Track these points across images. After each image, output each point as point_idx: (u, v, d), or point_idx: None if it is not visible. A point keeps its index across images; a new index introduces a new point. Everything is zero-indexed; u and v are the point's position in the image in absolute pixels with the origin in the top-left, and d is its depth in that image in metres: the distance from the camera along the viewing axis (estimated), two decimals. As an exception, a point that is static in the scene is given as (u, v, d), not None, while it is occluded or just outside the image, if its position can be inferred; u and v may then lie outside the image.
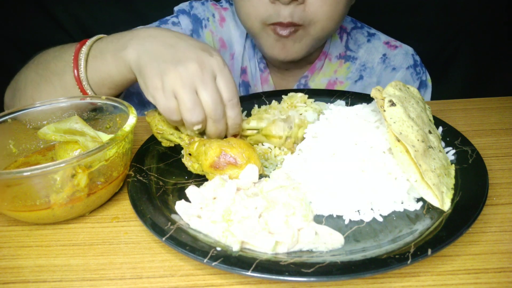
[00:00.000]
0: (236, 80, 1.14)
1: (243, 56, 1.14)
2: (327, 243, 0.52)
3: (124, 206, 0.64)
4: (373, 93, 0.64)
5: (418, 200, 0.59)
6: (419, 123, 0.62)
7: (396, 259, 0.46)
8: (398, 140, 0.58)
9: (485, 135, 0.79)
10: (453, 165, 0.64)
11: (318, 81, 1.14)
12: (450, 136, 0.71)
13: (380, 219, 0.56)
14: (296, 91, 0.87)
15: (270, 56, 0.99)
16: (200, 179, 0.67)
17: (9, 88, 0.88)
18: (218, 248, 0.50)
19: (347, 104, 0.87)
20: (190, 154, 0.68)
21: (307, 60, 1.12)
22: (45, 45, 0.87)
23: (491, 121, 0.85)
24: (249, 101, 0.89)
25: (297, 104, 0.80)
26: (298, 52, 0.97)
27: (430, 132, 0.64)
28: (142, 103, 1.10)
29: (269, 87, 1.16)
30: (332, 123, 0.68)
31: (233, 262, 0.47)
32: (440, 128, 0.73)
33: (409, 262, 0.46)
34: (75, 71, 0.76)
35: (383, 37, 1.17)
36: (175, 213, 0.58)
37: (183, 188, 0.62)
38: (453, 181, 0.61)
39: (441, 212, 0.56)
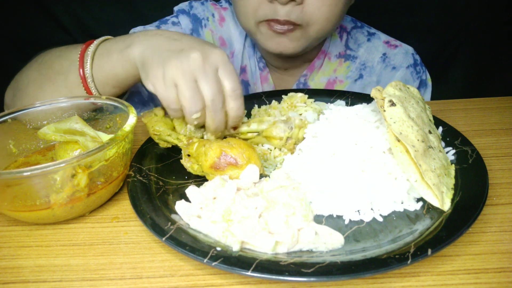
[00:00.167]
0: (236, 78, 1.14)
1: (243, 55, 1.14)
2: (327, 243, 0.52)
3: (124, 206, 0.64)
4: (373, 93, 0.64)
5: (418, 200, 0.59)
6: (419, 123, 0.62)
7: (396, 259, 0.46)
8: (398, 140, 0.58)
9: (485, 135, 0.79)
10: (453, 165, 0.64)
11: (317, 80, 1.14)
12: (450, 136, 0.71)
13: (380, 219, 0.56)
14: (296, 91, 0.87)
15: (266, 49, 0.99)
16: (200, 179, 0.67)
17: (10, 88, 0.88)
18: (218, 248, 0.50)
19: (347, 104, 0.87)
20: (189, 155, 0.68)
21: (306, 59, 1.12)
22: (45, 45, 0.87)
23: (491, 121, 0.85)
24: (249, 101, 0.88)
25: (297, 104, 0.80)
26: (296, 48, 0.97)
27: (430, 132, 0.64)
28: (142, 103, 1.10)
29: (268, 86, 1.16)
30: (332, 123, 0.68)
31: (233, 262, 0.47)
32: (440, 128, 0.73)
33: (409, 262, 0.46)
34: (81, 69, 0.76)
35: (383, 37, 1.17)
36: (175, 213, 0.58)
37: (183, 188, 0.62)
38: (453, 181, 0.61)
39: (441, 212, 0.56)
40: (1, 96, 0.90)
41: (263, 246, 0.50)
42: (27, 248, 0.56)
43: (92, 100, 0.72)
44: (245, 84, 1.16)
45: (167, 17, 1.12)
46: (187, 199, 0.59)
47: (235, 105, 0.67)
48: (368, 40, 1.16)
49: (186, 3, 1.14)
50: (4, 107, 0.89)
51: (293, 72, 1.15)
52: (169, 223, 0.54)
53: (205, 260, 0.47)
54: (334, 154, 0.63)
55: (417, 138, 0.58)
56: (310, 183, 0.61)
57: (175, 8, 1.13)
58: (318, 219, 0.57)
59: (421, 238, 0.50)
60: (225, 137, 0.71)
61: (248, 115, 0.85)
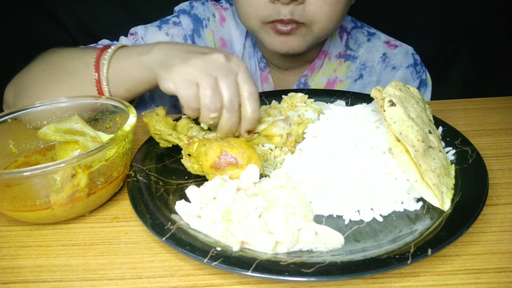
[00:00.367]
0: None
1: (243, 55, 1.14)
2: (327, 243, 0.52)
3: (124, 206, 0.64)
4: (373, 93, 0.64)
5: (418, 200, 0.59)
6: (419, 123, 0.62)
7: (396, 259, 0.46)
8: (398, 140, 0.58)
9: (485, 135, 0.79)
10: (453, 165, 0.64)
11: (317, 80, 1.15)
12: (450, 136, 0.71)
13: (380, 219, 0.56)
14: (296, 91, 0.87)
15: (273, 49, 0.99)
16: (200, 179, 0.67)
17: (10, 86, 0.87)
18: (218, 248, 0.50)
19: (347, 104, 0.87)
20: (189, 155, 0.68)
21: (307, 59, 1.12)
22: (45, 45, 0.87)
23: (491, 121, 0.85)
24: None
25: (297, 104, 0.80)
26: (301, 45, 0.97)
27: (430, 132, 0.64)
28: (142, 103, 1.10)
29: (269, 86, 1.16)
30: (332, 123, 0.68)
31: (233, 262, 0.47)
32: (440, 128, 0.73)
33: (409, 262, 0.46)
34: (96, 72, 0.77)
35: (383, 37, 1.17)
36: (175, 213, 0.58)
37: (183, 188, 0.62)
38: (453, 181, 0.61)
39: (441, 212, 0.56)
40: (0, 96, 0.90)
41: (263, 246, 0.50)
42: (27, 248, 0.56)
43: (92, 100, 0.72)
44: None
45: (168, 17, 1.12)
46: (187, 199, 0.59)
47: (252, 108, 0.68)
48: (368, 40, 1.16)
49: (187, 3, 1.14)
50: (3, 106, 0.89)
51: (293, 72, 1.16)
52: (169, 223, 0.54)
53: (205, 260, 0.47)
54: (334, 154, 0.63)
55: (417, 138, 0.58)
56: (310, 183, 0.61)
57: (176, 8, 1.13)
58: (318, 219, 0.57)
59: (421, 238, 0.50)
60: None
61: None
